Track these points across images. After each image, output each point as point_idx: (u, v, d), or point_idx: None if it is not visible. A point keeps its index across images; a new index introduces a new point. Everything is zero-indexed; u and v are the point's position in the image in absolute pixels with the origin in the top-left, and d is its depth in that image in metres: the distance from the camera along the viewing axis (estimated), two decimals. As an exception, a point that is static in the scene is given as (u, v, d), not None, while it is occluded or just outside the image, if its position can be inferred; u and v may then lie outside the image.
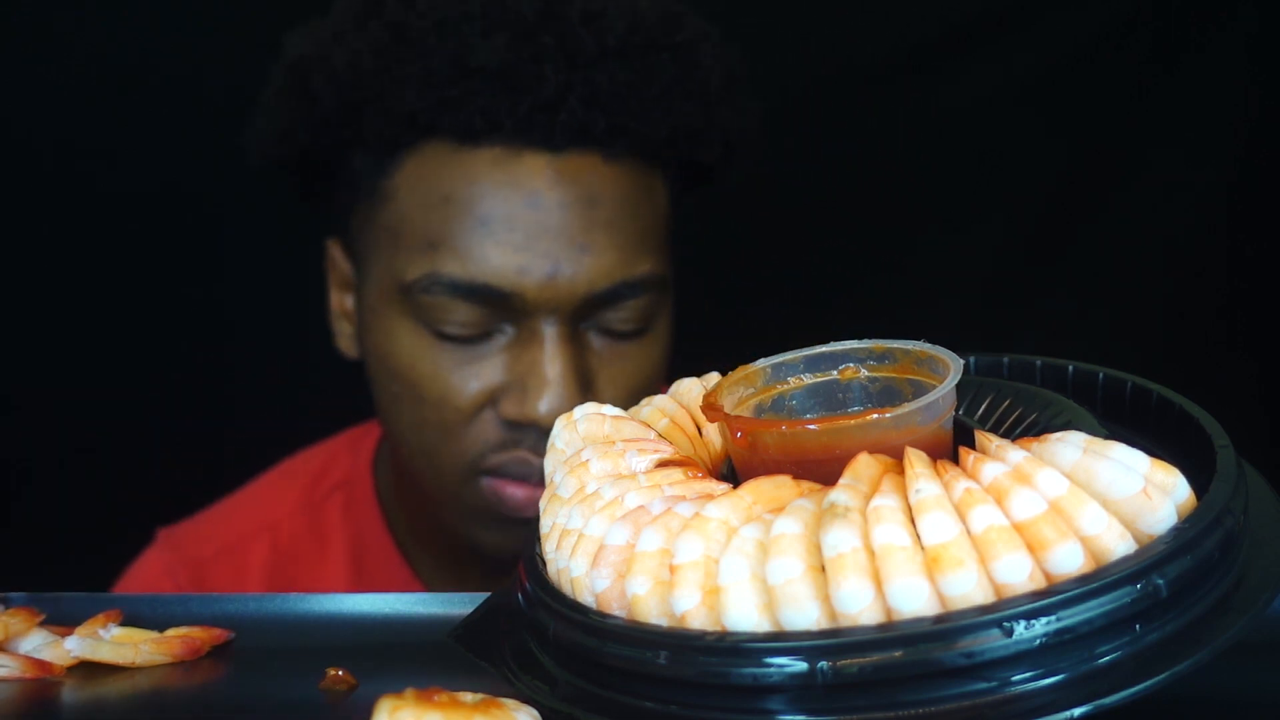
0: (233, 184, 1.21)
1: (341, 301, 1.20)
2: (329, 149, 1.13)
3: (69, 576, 0.91)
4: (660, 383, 1.13)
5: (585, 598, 0.64)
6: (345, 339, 1.20)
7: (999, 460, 0.60)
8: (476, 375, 1.08)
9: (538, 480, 1.08)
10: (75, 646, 0.75)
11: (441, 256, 1.06)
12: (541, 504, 0.70)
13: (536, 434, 1.07)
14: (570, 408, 1.03)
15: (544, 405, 1.06)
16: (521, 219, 1.06)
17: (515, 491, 1.10)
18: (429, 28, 1.06)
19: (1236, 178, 1.72)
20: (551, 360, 1.06)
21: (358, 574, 1.25)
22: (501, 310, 1.07)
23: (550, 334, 1.07)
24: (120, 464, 1.65)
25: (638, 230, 1.09)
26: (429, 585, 1.24)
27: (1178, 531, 0.59)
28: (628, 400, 1.08)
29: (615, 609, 0.63)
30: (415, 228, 1.08)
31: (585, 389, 1.07)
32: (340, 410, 1.26)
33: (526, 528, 1.10)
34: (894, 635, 0.56)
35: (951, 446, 0.66)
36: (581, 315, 1.08)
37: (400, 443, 1.14)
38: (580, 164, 1.07)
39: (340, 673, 0.72)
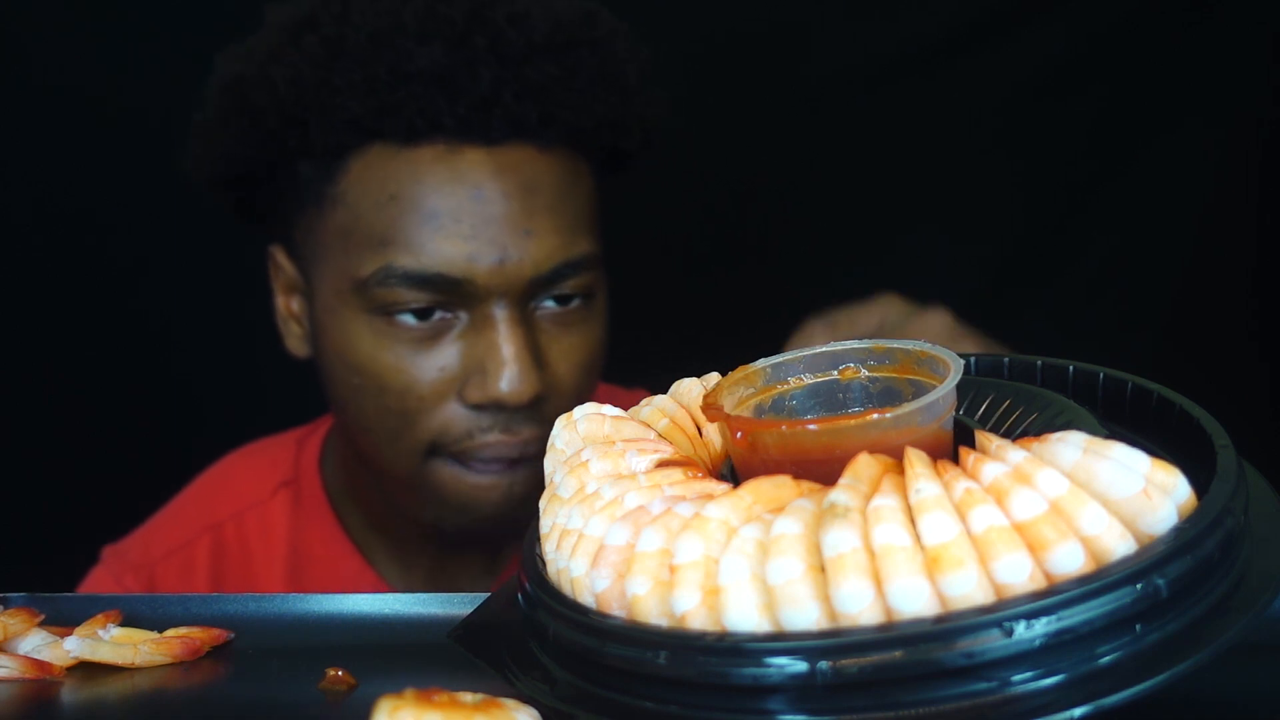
0: (184, 191, 1.24)
1: (288, 304, 1.25)
2: (273, 162, 1.17)
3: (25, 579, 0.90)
4: (604, 355, 1.20)
5: (585, 598, 0.64)
6: (294, 339, 1.25)
7: (999, 460, 0.60)
8: (436, 363, 1.13)
9: (502, 468, 1.15)
10: (75, 647, 0.75)
11: (394, 251, 1.12)
12: (541, 504, 0.70)
13: (502, 419, 1.13)
14: (527, 383, 1.11)
15: (505, 384, 1.12)
16: (467, 211, 1.12)
17: (475, 478, 1.15)
18: (365, 39, 1.12)
19: (1251, 173, 1.72)
20: (506, 341, 1.12)
21: (306, 570, 1.29)
22: (454, 297, 1.13)
23: (503, 316, 1.13)
24: (69, 468, 1.65)
25: (573, 213, 1.16)
26: (384, 575, 1.29)
27: (1178, 531, 0.59)
28: (578, 372, 1.16)
29: (615, 609, 0.63)
30: (366, 227, 1.13)
31: (539, 365, 1.13)
32: (298, 404, 1.28)
33: (484, 506, 1.15)
34: (894, 635, 0.56)
35: (951, 446, 0.66)
36: (529, 296, 1.14)
37: (361, 431, 1.19)
38: (517, 156, 1.13)
39: (340, 673, 0.72)
